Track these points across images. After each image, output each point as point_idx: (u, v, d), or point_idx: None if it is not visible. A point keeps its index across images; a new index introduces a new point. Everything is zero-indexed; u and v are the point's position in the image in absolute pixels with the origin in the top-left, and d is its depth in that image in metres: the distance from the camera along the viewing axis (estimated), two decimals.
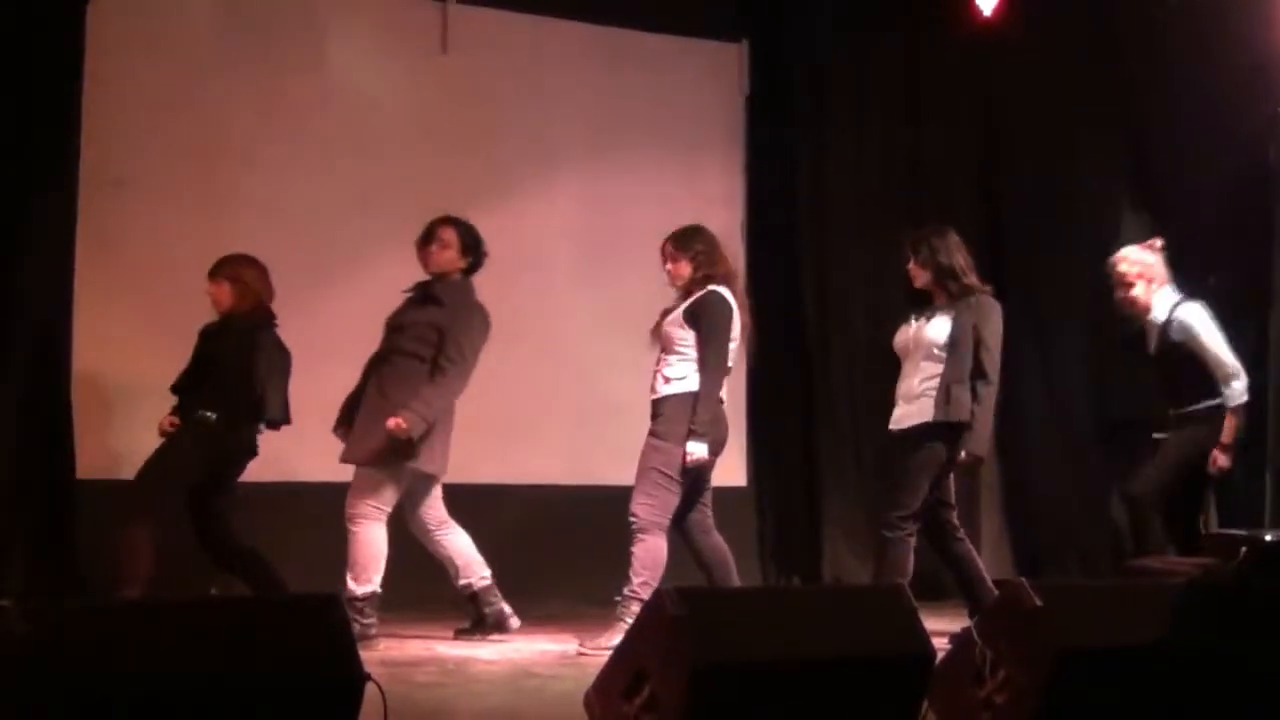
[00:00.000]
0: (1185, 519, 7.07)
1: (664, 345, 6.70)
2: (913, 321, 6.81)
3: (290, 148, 7.72)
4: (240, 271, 6.71)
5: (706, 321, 6.65)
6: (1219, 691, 4.48)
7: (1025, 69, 8.82)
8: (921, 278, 6.81)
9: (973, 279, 6.74)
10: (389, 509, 6.60)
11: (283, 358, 6.79)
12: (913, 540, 6.65)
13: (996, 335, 6.69)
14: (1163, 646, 4.45)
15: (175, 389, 6.77)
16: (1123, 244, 7.25)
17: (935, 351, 6.68)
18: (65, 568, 6.70)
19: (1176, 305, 6.93)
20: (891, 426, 6.80)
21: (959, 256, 6.79)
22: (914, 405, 6.71)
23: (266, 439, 6.74)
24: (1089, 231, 7.67)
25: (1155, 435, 7.09)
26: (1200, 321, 6.89)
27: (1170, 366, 6.99)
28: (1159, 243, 7.06)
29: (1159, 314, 6.97)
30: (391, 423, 6.47)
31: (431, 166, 7.96)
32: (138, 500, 6.57)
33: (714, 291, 6.67)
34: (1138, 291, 7.00)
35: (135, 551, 6.44)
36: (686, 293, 6.70)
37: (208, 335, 6.77)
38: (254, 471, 6.82)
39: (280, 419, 6.77)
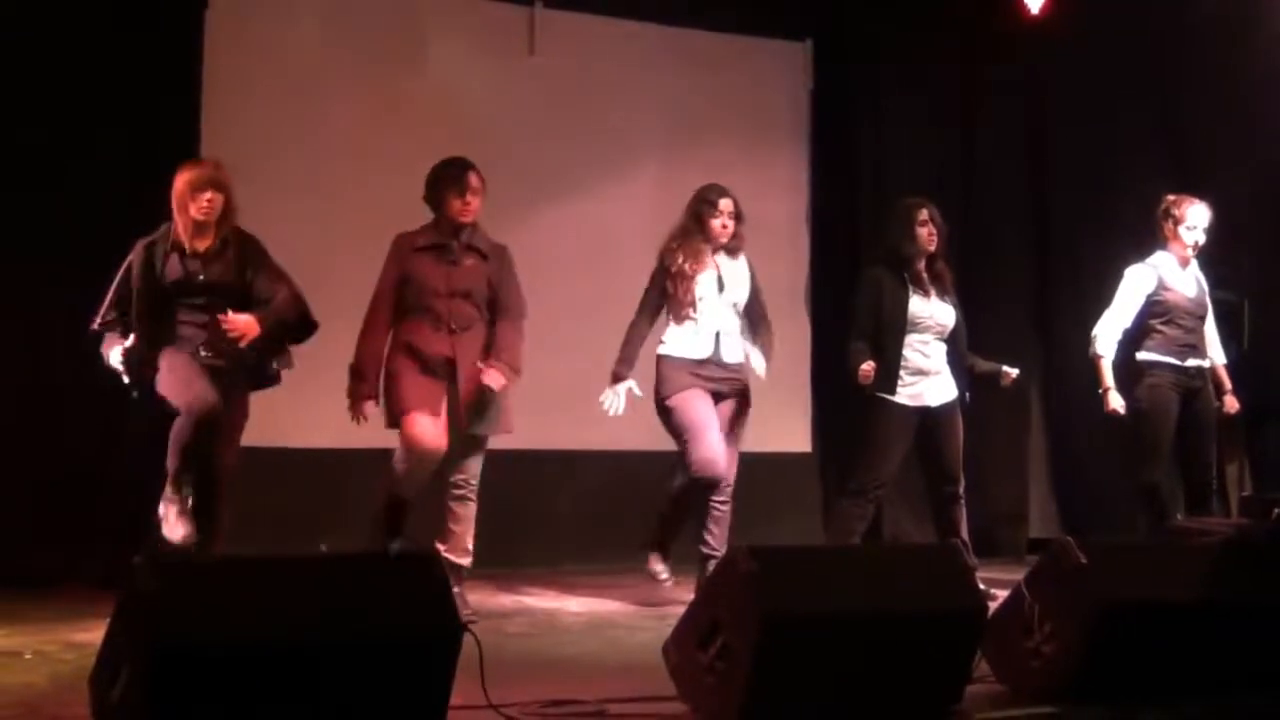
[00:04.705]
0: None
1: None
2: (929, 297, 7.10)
3: (392, 142, 7.93)
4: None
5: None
6: (1253, 645, 4.72)
7: (1072, 69, 8.98)
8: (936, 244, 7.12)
9: None
10: None
11: None
12: None
13: None
14: (1200, 602, 4.65)
15: None
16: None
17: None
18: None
19: None
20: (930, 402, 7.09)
21: None
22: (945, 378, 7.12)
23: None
24: (1131, 225, 7.89)
25: None
26: None
27: None
28: None
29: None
30: (499, 383, 6.28)
31: (520, 161, 8.14)
32: None
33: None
34: None
35: None
36: (733, 253, 6.94)
37: None
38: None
39: None
